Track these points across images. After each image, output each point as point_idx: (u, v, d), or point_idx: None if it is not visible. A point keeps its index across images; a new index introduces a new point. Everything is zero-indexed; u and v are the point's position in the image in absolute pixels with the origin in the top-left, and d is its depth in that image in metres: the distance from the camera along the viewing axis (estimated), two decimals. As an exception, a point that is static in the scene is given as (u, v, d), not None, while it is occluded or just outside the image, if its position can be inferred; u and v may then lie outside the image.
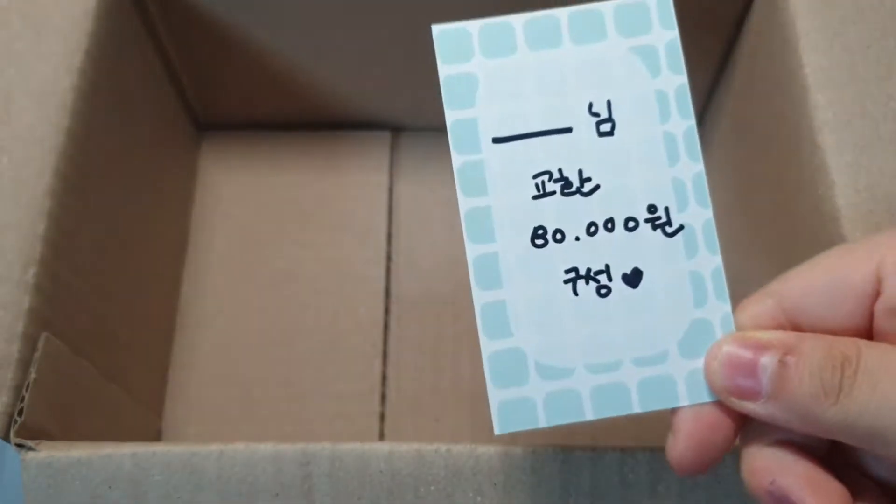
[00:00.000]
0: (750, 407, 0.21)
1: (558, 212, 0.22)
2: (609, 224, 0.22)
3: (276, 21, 0.39)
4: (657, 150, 0.23)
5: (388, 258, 0.44)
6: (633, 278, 0.22)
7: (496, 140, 0.23)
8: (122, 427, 0.36)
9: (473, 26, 0.23)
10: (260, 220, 0.45)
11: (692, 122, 0.23)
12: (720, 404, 0.22)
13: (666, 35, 0.23)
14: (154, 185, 0.41)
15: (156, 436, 0.40)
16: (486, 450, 0.26)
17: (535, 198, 0.22)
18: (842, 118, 0.30)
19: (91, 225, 0.33)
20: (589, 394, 0.22)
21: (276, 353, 0.42)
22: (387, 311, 0.43)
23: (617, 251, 0.22)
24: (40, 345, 0.28)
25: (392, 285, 0.44)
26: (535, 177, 0.22)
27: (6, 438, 0.27)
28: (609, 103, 0.23)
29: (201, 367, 0.42)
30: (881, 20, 0.31)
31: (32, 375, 0.28)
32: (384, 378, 0.42)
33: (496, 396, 0.22)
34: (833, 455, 0.22)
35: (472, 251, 0.22)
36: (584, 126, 0.23)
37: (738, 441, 0.22)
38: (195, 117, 0.46)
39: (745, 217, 0.38)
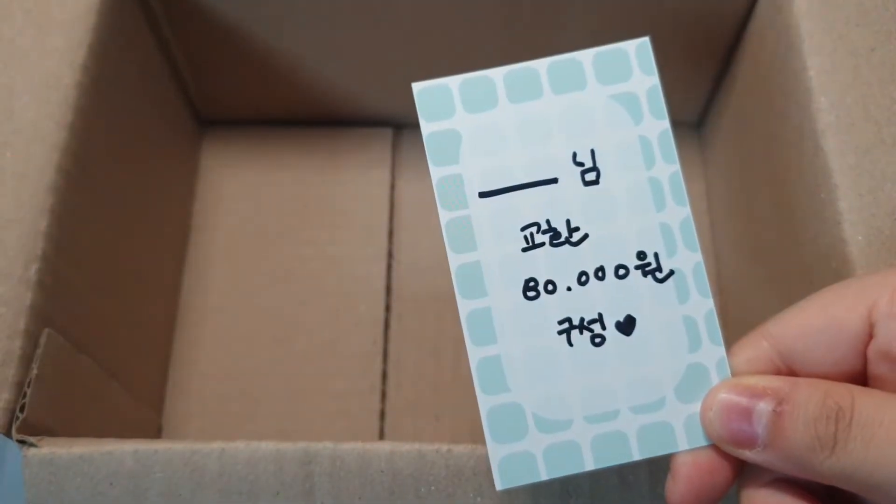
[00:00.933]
0: (747, 455, 0.21)
1: (548, 263, 0.22)
2: (600, 272, 0.22)
3: (279, 17, 0.39)
4: (644, 196, 0.23)
5: (390, 255, 0.44)
6: (627, 326, 0.22)
7: (482, 195, 0.22)
8: (123, 423, 0.36)
9: (454, 82, 0.23)
10: (261, 217, 0.45)
11: (677, 167, 0.23)
12: (718, 448, 0.22)
13: (647, 81, 0.23)
14: (155, 181, 0.41)
15: (156, 432, 0.40)
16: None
17: (524, 250, 0.22)
18: (845, 121, 0.30)
19: (92, 221, 0.33)
20: (589, 444, 0.22)
21: (276, 350, 0.42)
22: (387, 308, 0.43)
23: (609, 299, 0.22)
24: (42, 341, 0.28)
25: (393, 283, 0.43)
26: (523, 229, 0.22)
27: (8, 434, 0.27)
28: (593, 152, 0.23)
29: (202, 364, 0.42)
30: (886, 23, 0.31)
31: (34, 372, 0.28)
32: (384, 375, 0.42)
33: (497, 452, 0.22)
34: (832, 494, 0.22)
35: (464, 307, 0.22)
36: (570, 176, 0.23)
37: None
38: (197, 113, 0.46)
39: (746, 220, 0.38)
